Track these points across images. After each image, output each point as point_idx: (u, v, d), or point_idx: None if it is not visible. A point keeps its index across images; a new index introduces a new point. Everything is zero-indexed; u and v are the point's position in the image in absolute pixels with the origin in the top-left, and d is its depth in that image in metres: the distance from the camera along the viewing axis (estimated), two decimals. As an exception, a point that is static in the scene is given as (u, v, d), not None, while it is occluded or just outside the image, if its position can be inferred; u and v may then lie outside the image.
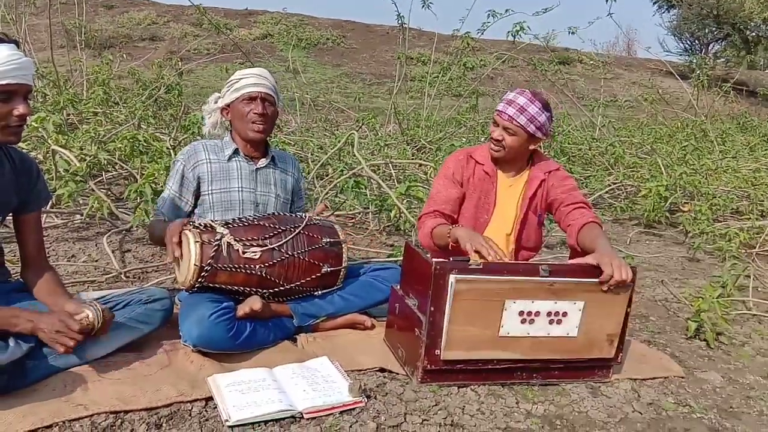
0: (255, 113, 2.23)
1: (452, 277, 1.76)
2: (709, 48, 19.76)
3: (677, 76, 9.80)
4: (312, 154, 5.30)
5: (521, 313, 1.84)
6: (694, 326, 2.56)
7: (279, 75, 10.25)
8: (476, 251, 1.94)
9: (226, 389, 1.71)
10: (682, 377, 2.16)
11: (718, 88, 9.85)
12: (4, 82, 1.61)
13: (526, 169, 2.41)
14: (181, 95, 6.77)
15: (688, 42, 20.10)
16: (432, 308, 1.80)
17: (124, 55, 9.67)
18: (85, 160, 3.95)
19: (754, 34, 18.96)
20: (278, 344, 2.11)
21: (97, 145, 4.27)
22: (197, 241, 1.97)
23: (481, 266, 1.82)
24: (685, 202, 5.36)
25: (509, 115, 2.25)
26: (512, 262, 1.95)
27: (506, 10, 7.06)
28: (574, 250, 2.25)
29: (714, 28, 18.76)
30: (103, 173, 4.33)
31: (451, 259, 1.85)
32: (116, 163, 4.27)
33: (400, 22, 7.21)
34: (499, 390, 1.92)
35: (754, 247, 4.21)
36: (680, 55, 19.99)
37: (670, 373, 2.16)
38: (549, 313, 1.86)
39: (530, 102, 2.25)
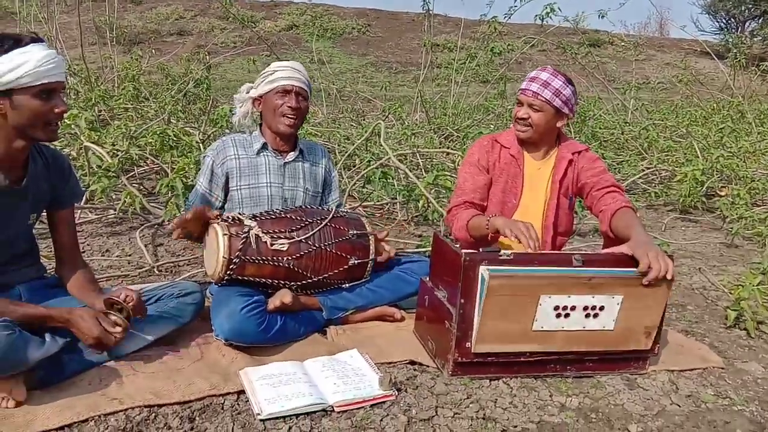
0: (288, 106, 2.24)
1: (485, 273, 1.72)
2: (745, 26, 19.06)
3: (713, 56, 9.47)
4: (339, 145, 5.30)
5: (556, 307, 1.78)
6: (733, 315, 2.48)
7: (305, 66, 10.25)
8: (516, 237, 1.91)
9: (257, 383, 1.72)
10: (722, 368, 2.09)
11: (756, 67, 9.52)
12: (45, 81, 1.65)
13: (553, 151, 2.36)
14: (209, 89, 6.83)
15: (724, 20, 19.43)
16: (462, 300, 1.77)
17: (153, 51, 9.80)
18: (117, 155, 4.02)
19: (793, 10, 18.22)
20: (308, 336, 2.12)
21: (128, 140, 4.33)
22: (225, 234, 1.98)
23: (511, 257, 1.78)
24: (722, 186, 5.20)
25: (533, 91, 2.21)
26: (544, 252, 1.90)
27: (534, -8, 6.92)
28: (608, 237, 2.19)
29: (750, 5, 18.08)
30: (135, 168, 4.39)
31: (481, 249, 1.82)
32: (147, 158, 4.33)
33: (425, 8, 7.12)
34: (532, 382, 1.89)
35: (796, 232, 4.06)
36: (715, 34, 19.35)
37: (709, 364, 2.10)
38: (585, 308, 1.80)
39: (553, 76, 2.22)
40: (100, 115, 5.58)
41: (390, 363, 1.95)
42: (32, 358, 1.58)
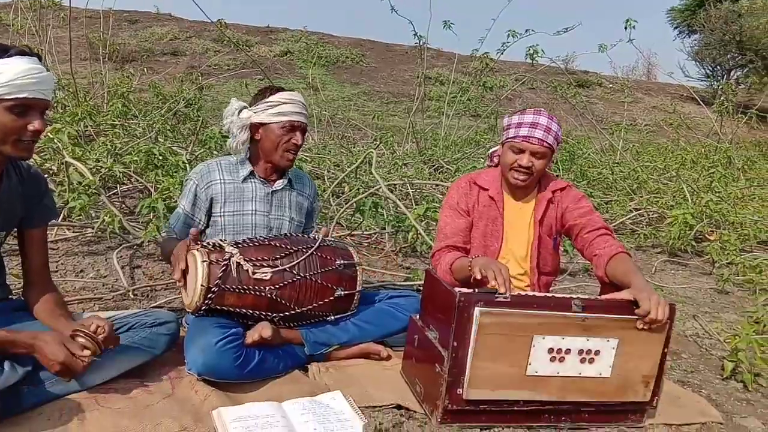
0: (294, 143, 2.17)
1: (476, 310, 1.63)
2: (731, 74, 19.51)
3: (700, 102, 9.63)
4: (328, 171, 5.23)
5: (551, 350, 1.70)
6: (730, 366, 2.40)
7: (297, 92, 10.26)
8: (485, 277, 1.82)
9: (231, 425, 1.59)
10: (721, 423, 2.00)
11: (742, 114, 9.67)
12: (21, 96, 1.55)
13: (533, 189, 2.29)
14: (200, 110, 6.75)
15: (710, 68, 19.86)
16: (455, 343, 1.67)
17: (145, 69, 9.74)
18: (100, 172, 3.90)
19: (777, 61, 18.71)
20: (288, 374, 1.99)
21: (112, 157, 4.22)
22: (204, 261, 1.87)
23: (509, 298, 1.69)
24: (710, 231, 5.18)
25: (539, 138, 2.13)
26: (542, 294, 1.81)
27: (526, 30, 6.99)
28: (603, 282, 2.11)
29: (736, 54, 18.53)
30: (118, 186, 4.27)
31: (476, 290, 1.73)
32: (131, 176, 4.22)
33: (419, 42, 7.15)
34: (524, 433, 1.78)
35: (786, 280, 4.03)
36: (701, 80, 19.77)
37: (708, 419, 2.00)
38: (580, 351, 1.73)
39: (550, 119, 2.16)
40: (86, 131, 5.47)
41: (375, 407, 1.83)
42: (-13, 390, 1.45)
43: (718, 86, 11.68)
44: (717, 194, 5.72)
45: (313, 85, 10.16)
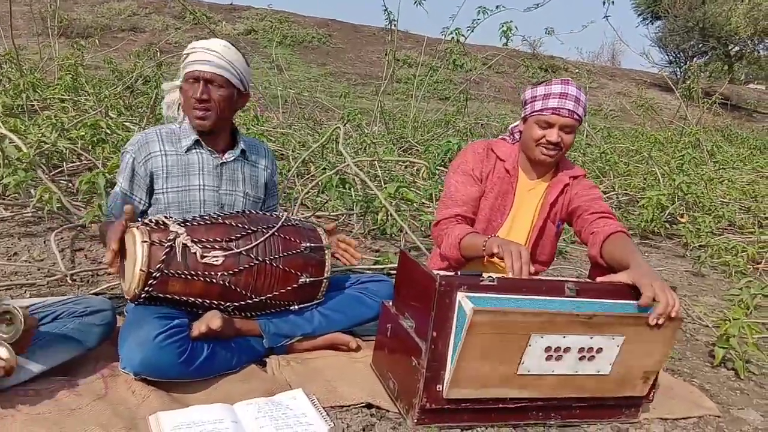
0: (194, 97, 1.83)
1: (466, 305, 1.40)
2: (693, 61, 19.80)
3: (672, 86, 9.63)
4: (293, 151, 4.96)
5: (548, 349, 1.49)
6: (721, 353, 2.27)
7: (262, 71, 9.88)
8: (501, 257, 1.62)
9: (171, 432, 1.35)
10: (719, 416, 1.85)
11: (706, 100, 9.73)
12: None
13: (549, 172, 2.09)
14: (158, 87, 6.38)
15: (673, 54, 20.12)
16: (434, 333, 1.45)
17: (98, 43, 9.22)
18: (41, 148, 3.57)
19: (737, 48, 19.08)
20: (243, 369, 1.75)
21: (58, 132, 3.88)
22: (145, 241, 1.60)
23: (495, 282, 1.49)
24: (681, 213, 5.11)
25: (569, 110, 1.91)
26: (532, 278, 1.61)
27: (497, 7, 6.83)
28: (596, 264, 1.93)
29: (699, 41, 18.78)
30: (65, 164, 3.93)
31: (458, 273, 1.52)
32: (81, 154, 3.89)
33: (389, 18, 6.89)
34: (510, 433, 1.59)
35: (760, 263, 3.98)
36: (664, 66, 20.01)
37: (705, 412, 1.85)
38: (581, 349, 1.52)
39: (578, 89, 1.94)
40: (31, 105, 5.08)
41: (342, 407, 1.61)
42: None
43: (682, 71, 11.76)
44: (688, 176, 5.67)
45: (278, 65, 9.79)
